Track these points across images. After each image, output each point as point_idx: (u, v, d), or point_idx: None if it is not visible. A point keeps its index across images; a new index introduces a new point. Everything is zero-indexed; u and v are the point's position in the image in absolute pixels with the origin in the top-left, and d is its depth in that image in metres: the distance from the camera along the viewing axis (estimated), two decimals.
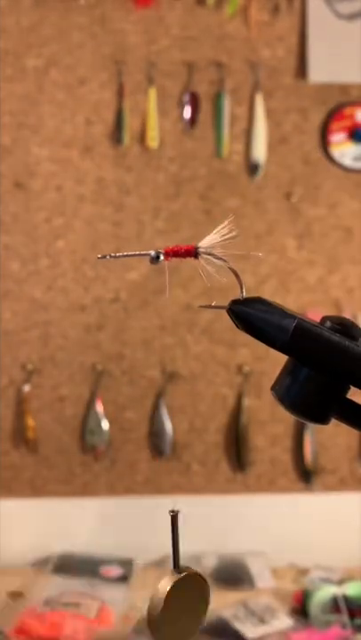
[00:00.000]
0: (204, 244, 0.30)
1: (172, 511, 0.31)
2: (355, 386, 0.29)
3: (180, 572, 0.29)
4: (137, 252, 0.29)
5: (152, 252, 0.29)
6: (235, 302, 0.31)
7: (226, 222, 0.30)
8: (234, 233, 0.29)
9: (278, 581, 1.39)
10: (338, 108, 1.45)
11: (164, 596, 0.30)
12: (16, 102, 1.43)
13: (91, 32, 1.42)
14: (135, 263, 1.44)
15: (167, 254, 0.29)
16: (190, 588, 0.29)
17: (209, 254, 0.30)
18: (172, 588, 0.29)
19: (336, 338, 0.29)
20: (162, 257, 0.29)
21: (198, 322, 1.46)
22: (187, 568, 0.30)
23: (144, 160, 1.44)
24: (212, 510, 1.48)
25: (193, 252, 0.30)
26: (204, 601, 0.30)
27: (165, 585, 0.29)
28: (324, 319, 0.31)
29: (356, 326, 0.30)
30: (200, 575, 0.30)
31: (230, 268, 0.30)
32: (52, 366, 1.45)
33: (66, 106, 1.43)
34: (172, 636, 0.29)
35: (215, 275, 0.30)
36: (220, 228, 0.30)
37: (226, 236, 0.30)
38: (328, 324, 0.30)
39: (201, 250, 0.30)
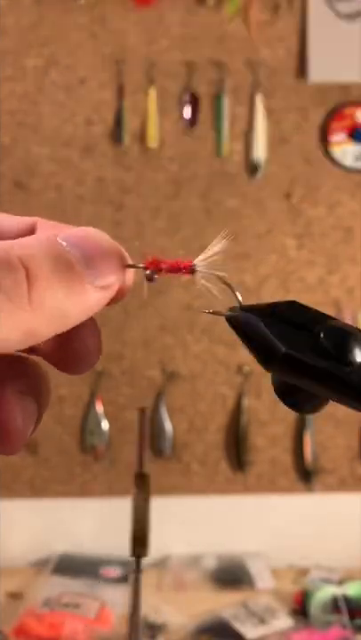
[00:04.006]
0: (200, 260, 0.30)
1: (141, 408, 0.31)
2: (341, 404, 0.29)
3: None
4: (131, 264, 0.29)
5: (147, 272, 0.29)
6: (230, 316, 0.30)
7: (220, 235, 0.29)
8: (227, 243, 0.29)
9: (278, 582, 1.39)
10: (338, 108, 1.45)
11: None
12: (16, 102, 1.43)
13: (91, 32, 1.42)
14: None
15: (160, 270, 0.29)
16: None
17: (207, 271, 0.29)
18: None
19: (324, 367, 0.28)
20: (155, 277, 0.29)
21: (198, 322, 1.46)
22: None
23: (144, 160, 1.44)
24: (212, 510, 1.47)
25: (190, 269, 0.30)
26: None
27: None
28: (320, 330, 0.30)
29: (354, 342, 0.29)
30: None
31: (226, 282, 0.29)
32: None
33: (66, 106, 1.43)
34: None
35: (211, 290, 0.30)
36: (214, 243, 0.29)
37: (221, 251, 0.29)
38: (322, 337, 0.29)
39: (198, 268, 0.29)
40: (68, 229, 0.26)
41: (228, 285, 0.30)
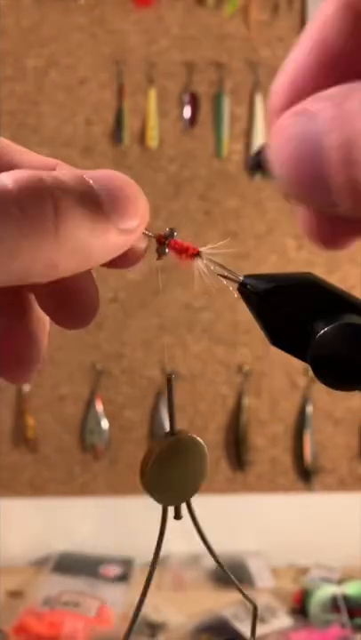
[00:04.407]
0: (206, 249, 0.31)
1: (169, 374, 0.33)
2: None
3: (175, 435, 0.32)
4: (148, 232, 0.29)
5: (164, 241, 0.30)
6: (240, 288, 0.31)
7: (224, 242, 0.30)
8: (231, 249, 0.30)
9: (278, 581, 1.39)
10: None
11: (158, 451, 0.32)
12: (16, 102, 1.43)
13: (91, 32, 1.43)
14: None
15: (168, 245, 0.30)
16: (185, 450, 0.32)
17: (209, 259, 0.30)
18: (167, 447, 0.32)
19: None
20: (167, 251, 0.30)
21: (198, 321, 1.46)
22: (182, 431, 0.33)
23: (144, 160, 1.44)
24: (212, 510, 1.47)
25: (195, 253, 0.31)
26: (202, 462, 0.32)
27: (158, 444, 0.32)
28: (317, 330, 0.30)
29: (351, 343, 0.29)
30: (195, 438, 0.32)
31: (227, 270, 0.30)
32: (52, 366, 1.45)
33: (66, 106, 1.43)
34: (168, 494, 0.33)
35: (210, 276, 0.31)
36: (219, 244, 0.30)
37: (224, 249, 0.30)
38: (321, 340, 0.29)
39: (204, 254, 0.30)
40: (93, 171, 0.26)
41: (229, 272, 0.30)
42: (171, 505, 0.34)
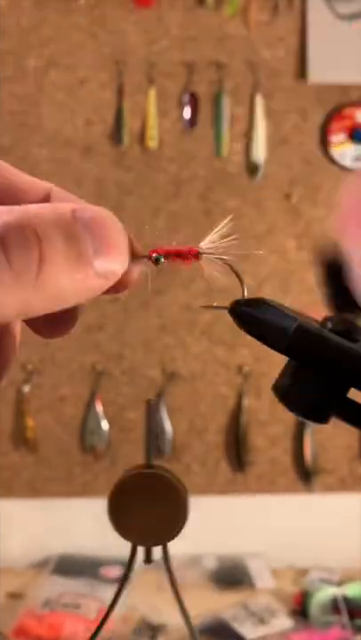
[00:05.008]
0: (205, 244, 0.30)
1: (149, 400, 0.31)
2: (356, 388, 0.29)
3: (150, 468, 0.29)
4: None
5: (153, 255, 0.29)
6: (237, 303, 0.31)
7: (225, 221, 0.30)
8: (235, 235, 0.29)
9: (278, 582, 1.39)
10: (338, 109, 1.45)
11: (124, 483, 0.29)
12: (16, 102, 1.43)
13: (91, 32, 1.42)
14: None
15: (166, 255, 0.29)
16: (161, 488, 0.29)
17: (212, 255, 0.30)
18: (137, 478, 0.29)
19: (337, 340, 0.29)
20: (162, 260, 0.30)
21: (198, 322, 1.46)
22: (160, 466, 0.30)
23: (144, 160, 1.44)
24: (212, 511, 1.47)
25: (195, 254, 0.30)
26: (180, 506, 0.29)
27: (128, 473, 0.29)
28: (326, 319, 0.30)
29: (358, 327, 0.30)
30: (172, 476, 0.29)
31: (233, 270, 0.29)
32: (52, 366, 1.45)
33: (66, 106, 1.43)
34: (137, 531, 0.30)
35: (216, 275, 0.30)
36: (219, 227, 0.30)
37: (227, 237, 0.30)
38: (329, 324, 0.30)
39: (203, 251, 0.30)
40: (84, 204, 0.27)
41: (235, 272, 0.30)
42: (141, 545, 0.31)
